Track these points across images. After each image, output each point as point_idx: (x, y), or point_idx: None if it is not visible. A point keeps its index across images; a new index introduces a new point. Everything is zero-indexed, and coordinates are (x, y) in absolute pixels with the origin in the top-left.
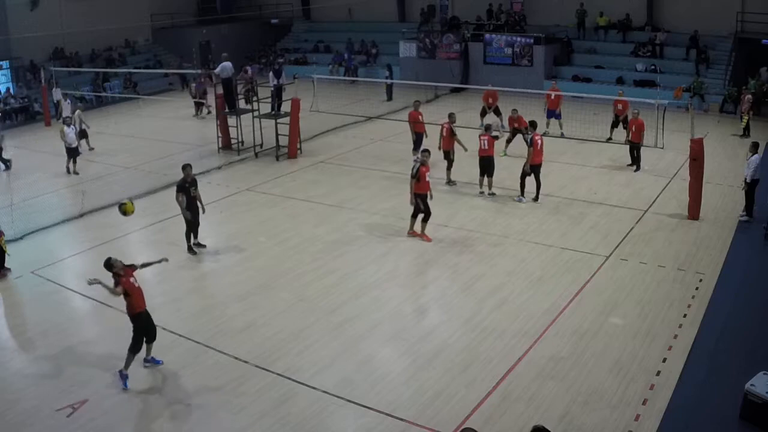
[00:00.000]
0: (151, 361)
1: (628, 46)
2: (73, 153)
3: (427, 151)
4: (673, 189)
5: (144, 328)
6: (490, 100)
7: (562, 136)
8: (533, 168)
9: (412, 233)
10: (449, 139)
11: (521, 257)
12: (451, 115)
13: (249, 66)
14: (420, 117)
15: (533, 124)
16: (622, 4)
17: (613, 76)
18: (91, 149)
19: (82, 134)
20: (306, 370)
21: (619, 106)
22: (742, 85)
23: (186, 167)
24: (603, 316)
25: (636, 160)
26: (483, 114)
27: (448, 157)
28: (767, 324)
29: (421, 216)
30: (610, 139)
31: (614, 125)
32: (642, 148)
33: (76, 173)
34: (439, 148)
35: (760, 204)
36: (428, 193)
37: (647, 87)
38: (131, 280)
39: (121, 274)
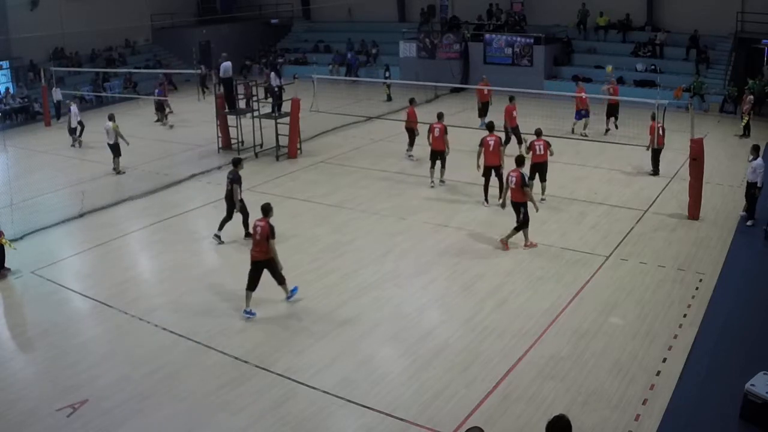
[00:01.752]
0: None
1: (628, 46)
2: (116, 150)
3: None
4: (673, 189)
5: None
6: (486, 91)
7: (585, 137)
8: (486, 169)
9: (530, 244)
10: (442, 138)
11: (521, 257)
12: (441, 115)
13: (269, 71)
14: (416, 115)
15: (490, 126)
16: (622, 4)
17: (613, 76)
18: (73, 146)
19: (73, 130)
20: (306, 370)
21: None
22: (742, 85)
23: (242, 160)
24: (603, 316)
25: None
26: (480, 112)
27: (442, 156)
28: (767, 324)
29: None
30: (608, 130)
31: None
32: (648, 151)
33: (121, 172)
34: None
35: (760, 203)
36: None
37: (647, 87)
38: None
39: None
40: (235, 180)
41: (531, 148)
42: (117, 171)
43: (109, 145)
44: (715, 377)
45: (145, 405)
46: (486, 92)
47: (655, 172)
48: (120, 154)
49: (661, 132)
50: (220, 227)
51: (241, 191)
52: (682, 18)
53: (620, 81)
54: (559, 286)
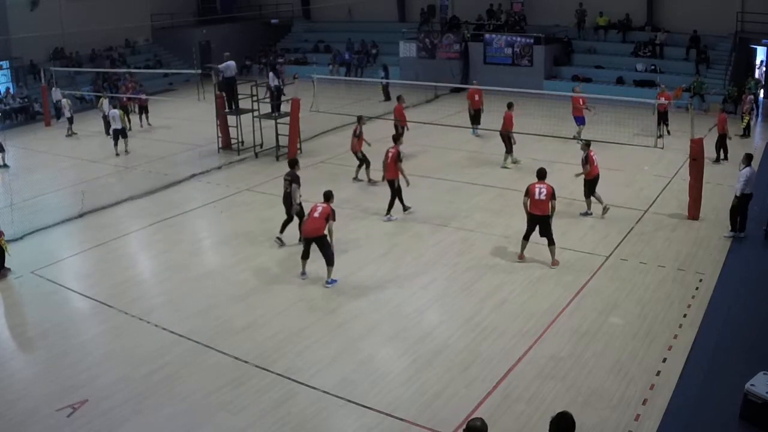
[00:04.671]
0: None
1: (628, 46)
2: (119, 133)
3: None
4: (673, 189)
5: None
6: (477, 97)
7: (574, 137)
8: (389, 182)
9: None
10: (356, 140)
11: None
12: (360, 118)
13: (271, 72)
14: (403, 111)
15: (394, 137)
16: (622, 4)
17: (613, 76)
18: (127, 152)
19: (121, 133)
20: (306, 370)
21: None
22: (742, 85)
23: (298, 161)
24: (603, 316)
25: (725, 152)
26: (472, 117)
27: (357, 156)
28: (767, 324)
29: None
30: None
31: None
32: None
33: (126, 152)
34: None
35: (760, 205)
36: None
37: (647, 87)
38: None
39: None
40: (294, 180)
41: (590, 160)
42: (125, 151)
43: (115, 130)
44: (715, 377)
45: (145, 405)
46: (477, 98)
47: (722, 157)
48: (126, 136)
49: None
50: (282, 229)
51: (300, 193)
52: (682, 18)
53: (620, 81)
54: (559, 286)
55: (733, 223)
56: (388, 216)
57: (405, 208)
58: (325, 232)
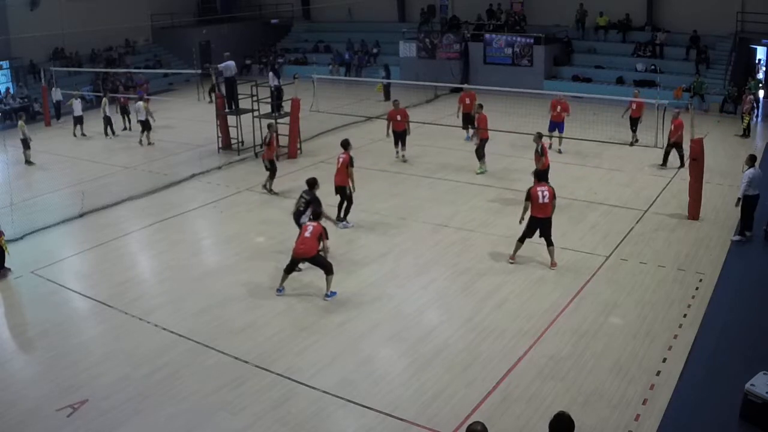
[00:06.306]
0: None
1: (628, 46)
2: (147, 125)
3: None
4: (673, 189)
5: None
6: (468, 101)
7: (559, 152)
8: (339, 189)
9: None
10: (270, 149)
11: (521, 257)
12: (270, 126)
13: (271, 72)
14: (398, 116)
15: (344, 144)
16: (622, 4)
17: (613, 76)
18: (150, 144)
19: (146, 125)
20: (306, 370)
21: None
22: (742, 85)
23: (317, 181)
24: (603, 316)
25: (681, 160)
26: (465, 121)
27: (265, 166)
28: (767, 324)
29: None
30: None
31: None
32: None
33: (152, 143)
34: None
35: (759, 205)
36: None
37: (647, 87)
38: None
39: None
40: (312, 201)
41: (537, 154)
42: (147, 143)
43: (140, 121)
44: (715, 377)
45: (145, 405)
46: (468, 102)
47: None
48: (150, 128)
49: (673, 127)
50: None
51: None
52: (682, 18)
53: (620, 81)
54: (559, 286)
55: (742, 226)
56: (344, 223)
57: (340, 219)
58: (319, 249)
